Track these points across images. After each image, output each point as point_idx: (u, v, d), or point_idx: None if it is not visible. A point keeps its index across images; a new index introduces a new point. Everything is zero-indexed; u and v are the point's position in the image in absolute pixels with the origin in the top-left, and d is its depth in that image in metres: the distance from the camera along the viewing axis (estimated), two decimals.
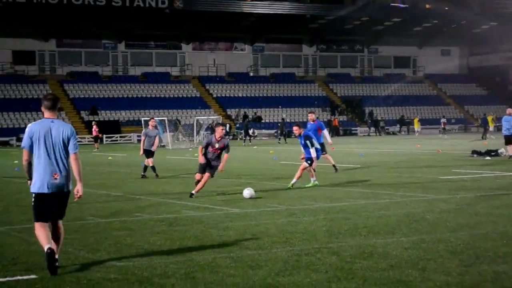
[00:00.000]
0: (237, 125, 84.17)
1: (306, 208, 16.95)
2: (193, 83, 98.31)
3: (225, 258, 10.98)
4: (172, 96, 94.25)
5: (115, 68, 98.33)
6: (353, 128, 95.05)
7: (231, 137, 78.66)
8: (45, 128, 10.43)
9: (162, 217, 16.01)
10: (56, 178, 10.40)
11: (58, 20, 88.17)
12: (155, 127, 28.41)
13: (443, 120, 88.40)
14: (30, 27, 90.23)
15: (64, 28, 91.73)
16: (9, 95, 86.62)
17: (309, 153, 22.25)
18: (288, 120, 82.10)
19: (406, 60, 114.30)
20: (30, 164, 10.61)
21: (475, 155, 37.36)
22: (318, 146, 23.12)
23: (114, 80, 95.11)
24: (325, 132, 27.75)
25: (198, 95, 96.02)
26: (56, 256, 10.13)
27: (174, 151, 53.77)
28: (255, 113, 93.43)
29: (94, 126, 62.88)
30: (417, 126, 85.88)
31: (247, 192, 19.24)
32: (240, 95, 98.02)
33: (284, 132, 73.11)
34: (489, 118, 73.87)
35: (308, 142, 22.29)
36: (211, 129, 78.61)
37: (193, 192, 20.04)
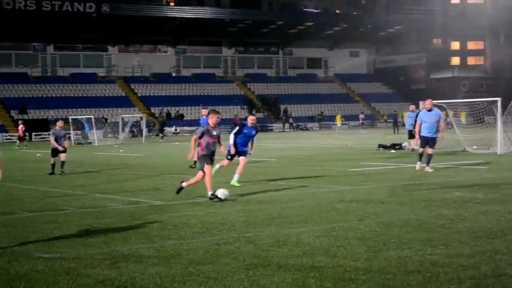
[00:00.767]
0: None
1: (225, 200, 16.89)
2: (118, 83, 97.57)
3: (148, 248, 10.87)
4: (98, 95, 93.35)
5: (44, 69, 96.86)
6: (269, 125, 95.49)
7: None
8: None
9: (89, 210, 15.78)
10: None
11: None
12: (63, 127, 28.01)
13: (361, 116, 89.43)
14: None
15: None
16: None
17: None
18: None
19: (318, 61, 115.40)
20: None
21: (381, 149, 37.85)
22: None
23: (43, 80, 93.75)
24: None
25: (123, 95, 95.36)
26: None
27: (100, 148, 53.15)
28: (177, 111, 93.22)
29: (21, 126, 61.59)
30: (339, 122, 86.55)
31: (221, 192, 16.85)
32: (163, 94, 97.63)
33: None
34: (400, 114, 75.32)
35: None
36: (138, 126, 78.38)
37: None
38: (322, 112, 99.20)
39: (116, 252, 10.67)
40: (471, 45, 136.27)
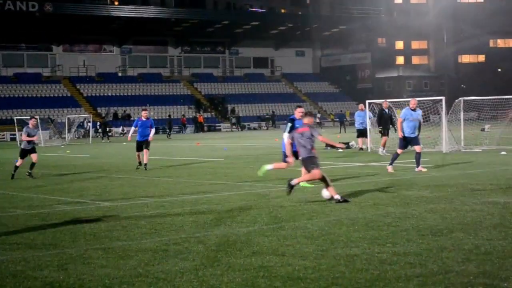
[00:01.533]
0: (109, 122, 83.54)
1: (173, 200, 16.86)
2: (64, 83, 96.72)
3: (97, 250, 10.79)
4: (44, 95, 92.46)
5: None
6: (217, 125, 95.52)
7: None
8: None
9: (36, 212, 15.60)
10: None
11: None
12: (36, 126, 27.37)
13: (318, 115, 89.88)
14: None
15: None
16: None
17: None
18: (156, 118, 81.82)
19: (264, 61, 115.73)
20: None
21: (328, 148, 38.01)
22: None
23: None
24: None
25: (69, 95, 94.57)
26: None
27: (47, 148, 52.58)
28: (124, 111, 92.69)
29: None
30: None
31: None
32: (109, 94, 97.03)
33: (171, 128, 75.10)
34: (347, 113, 75.97)
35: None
36: (83, 126, 77.69)
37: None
38: (273, 112, 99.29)
39: (64, 254, 10.57)
40: (415, 45, 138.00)
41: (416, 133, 22.94)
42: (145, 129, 27.54)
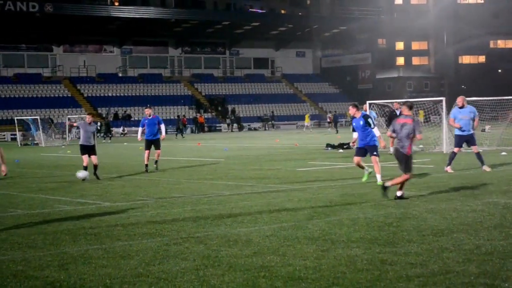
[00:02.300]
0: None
1: (174, 201, 16.86)
2: (64, 83, 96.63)
3: (97, 250, 10.80)
4: (44, 96, 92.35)
5: None
6: (217, 125, 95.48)
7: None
8: None
9: (37, 212, 15.61)
10: None
11: None
12: (94, 122, 26.47)
13: (329, 115, 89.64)
14: None
15: None
16: None
17: (371, 135, 19.24)
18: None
19: (264, 61, 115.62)
20: None
21: (329, 148, 38.05)
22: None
23: None
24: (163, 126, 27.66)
25: (69, 95, 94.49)
26: None
27: (47, 149, 52.58)
28: (125, 111, 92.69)
29: None
30: (307, 121, 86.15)
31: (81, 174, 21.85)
32: (110, 94, 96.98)
33: (181, 128, 74.23)
34: (347, 113, 75.98)
35: (369, 120, 19.37)
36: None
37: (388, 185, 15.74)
38: (272, 112, 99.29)
39: (65, 253, 10.58)
40: (415, 45, 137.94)
41: (471, 131, 22.36)
42: (153, 127, 26.72)
